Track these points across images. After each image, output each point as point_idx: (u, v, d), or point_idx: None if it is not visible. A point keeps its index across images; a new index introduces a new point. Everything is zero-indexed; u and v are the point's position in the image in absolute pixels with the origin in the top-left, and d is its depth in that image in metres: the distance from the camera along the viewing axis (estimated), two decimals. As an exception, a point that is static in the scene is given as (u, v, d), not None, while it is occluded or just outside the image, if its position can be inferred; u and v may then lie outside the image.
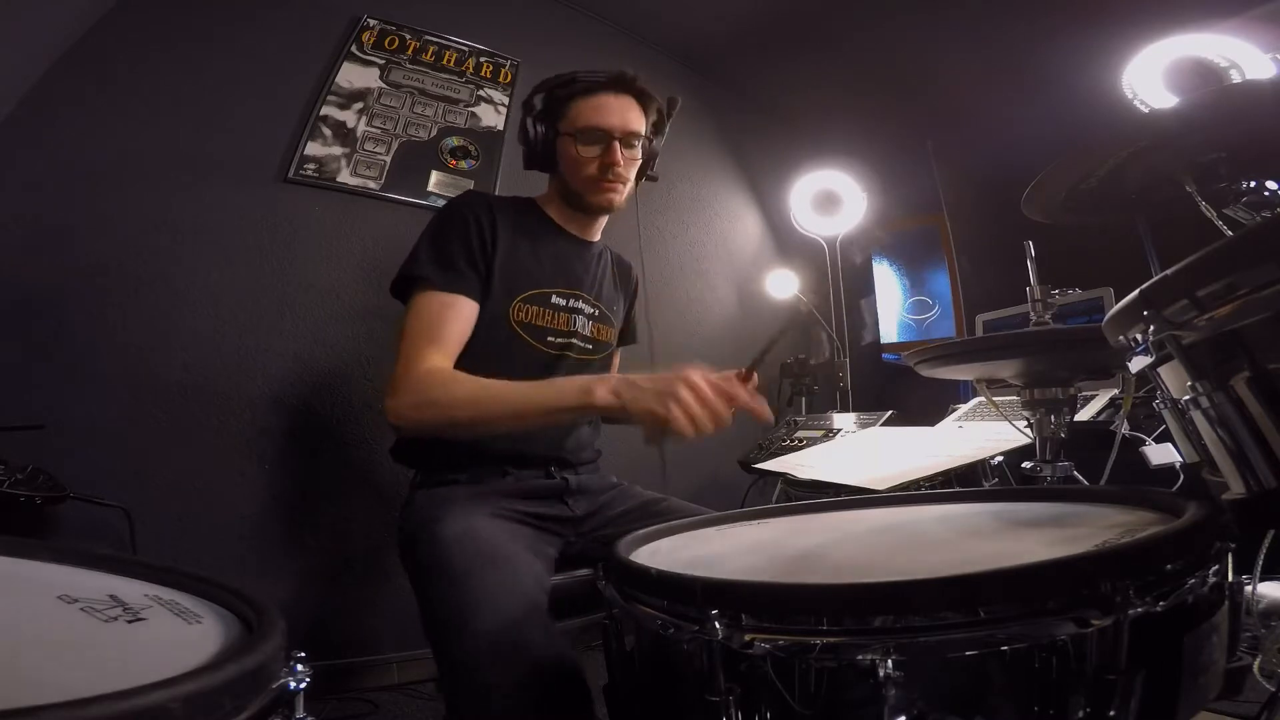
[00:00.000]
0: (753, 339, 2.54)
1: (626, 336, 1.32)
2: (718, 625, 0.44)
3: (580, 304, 1.12)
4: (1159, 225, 1.48)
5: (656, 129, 1.15)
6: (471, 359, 1.00)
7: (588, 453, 1.14)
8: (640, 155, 1.11)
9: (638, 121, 1.08)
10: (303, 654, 0.38)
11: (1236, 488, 0.50)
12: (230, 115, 1.67)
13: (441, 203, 1.87)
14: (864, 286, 2.62)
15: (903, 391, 2.15)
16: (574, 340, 1.10)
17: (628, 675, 0.57)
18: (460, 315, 0.98)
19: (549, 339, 1.07)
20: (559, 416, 0.90)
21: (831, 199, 2.43)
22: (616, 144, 1.05)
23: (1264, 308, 0.41)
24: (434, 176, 1.93)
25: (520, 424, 0.90)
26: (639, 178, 1.15)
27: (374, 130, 1.86)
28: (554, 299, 1.09)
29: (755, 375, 1.16)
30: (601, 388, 0.84)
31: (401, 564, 0.96)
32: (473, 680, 0.73)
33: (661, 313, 2.30)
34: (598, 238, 1.20)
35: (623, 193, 1.10)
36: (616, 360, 1.35)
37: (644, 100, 1.10)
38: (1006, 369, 1.02)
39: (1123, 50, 1.46)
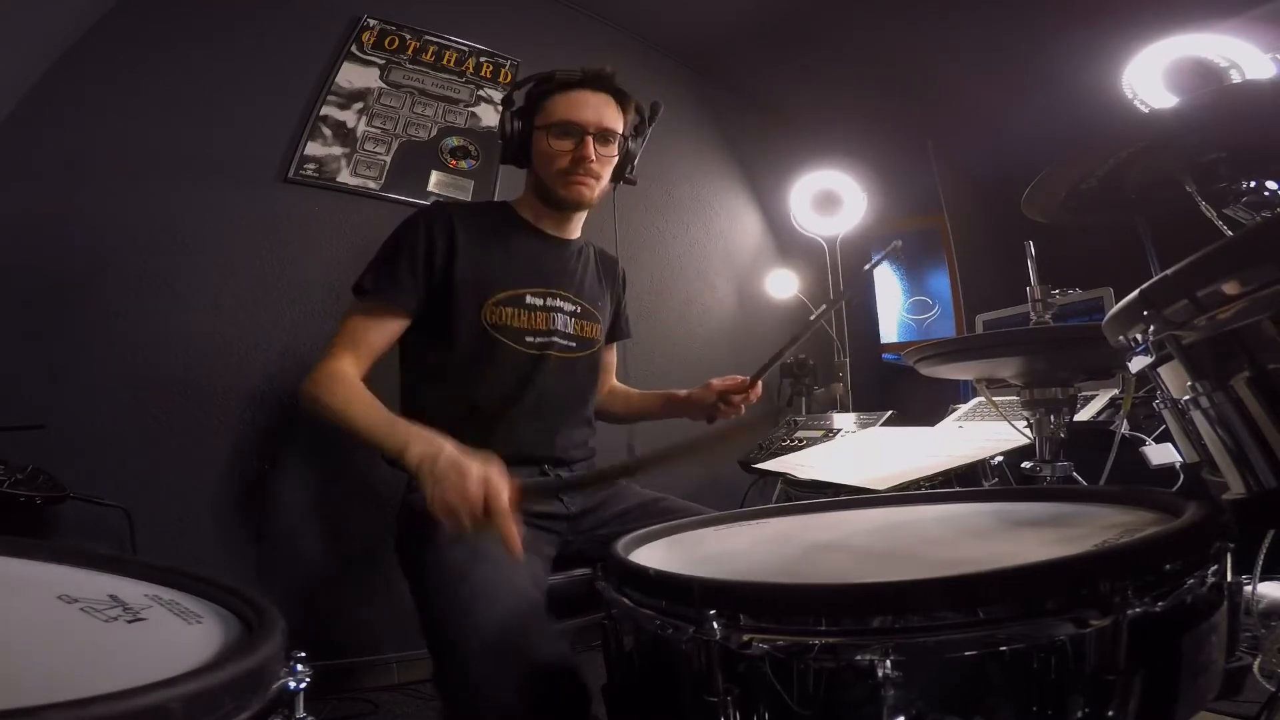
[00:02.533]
0: (753, 339, 2.53)
1: (617, 332, 1.32)
2: (716, 625, 0.44)
3: (559, 302, 1.12)
4: (1159, 225, 1.48)
5: (636, 131, 1.16)
6: (454, 364, 1.03)
7: (581, 451, 1.14)
8: (616, 153, 1.11)
9: (613, 119, 1.09)
10: (303, 654, 0.38)
11: (1236, 488, 0.50)
12: (230, 115, 1.67)
13: (439, 200, 1.89)
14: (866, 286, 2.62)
15: (903, 391, 2.15)
16: (555, 339, 1.10)
17: (627, 675, 0.57)
18: (383, 326, 1.04)
19: (527, 339, 1.08)
20: (382, 450, 0.93)
21: (831, 199, 2.43)
22: (590, 139, 1.05)
23: (1264, 308, 0.41)
24: (434, 176, 1.93)
25: (360, 441, 0.93)
26: (615, 179, 1.16)
27: (374, 130, 1.86)
28: (529, 299, 1.09)
29: (759, 384, 1.17)
30: (414, 452, 0.84)
31: (399, 564, 0.96)
32: (469, 680, 0.73)
33: (661, 313, 2.30)
34: (576, 235, 1.20)
35: (594, 188, 1.10)
36: (612, 357, 1.35)
37: (621, 99, 1.11)
38: (1006, 368, 1.02)
39: (1123, 50, 1.46)
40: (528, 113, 1.10)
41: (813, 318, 1.15)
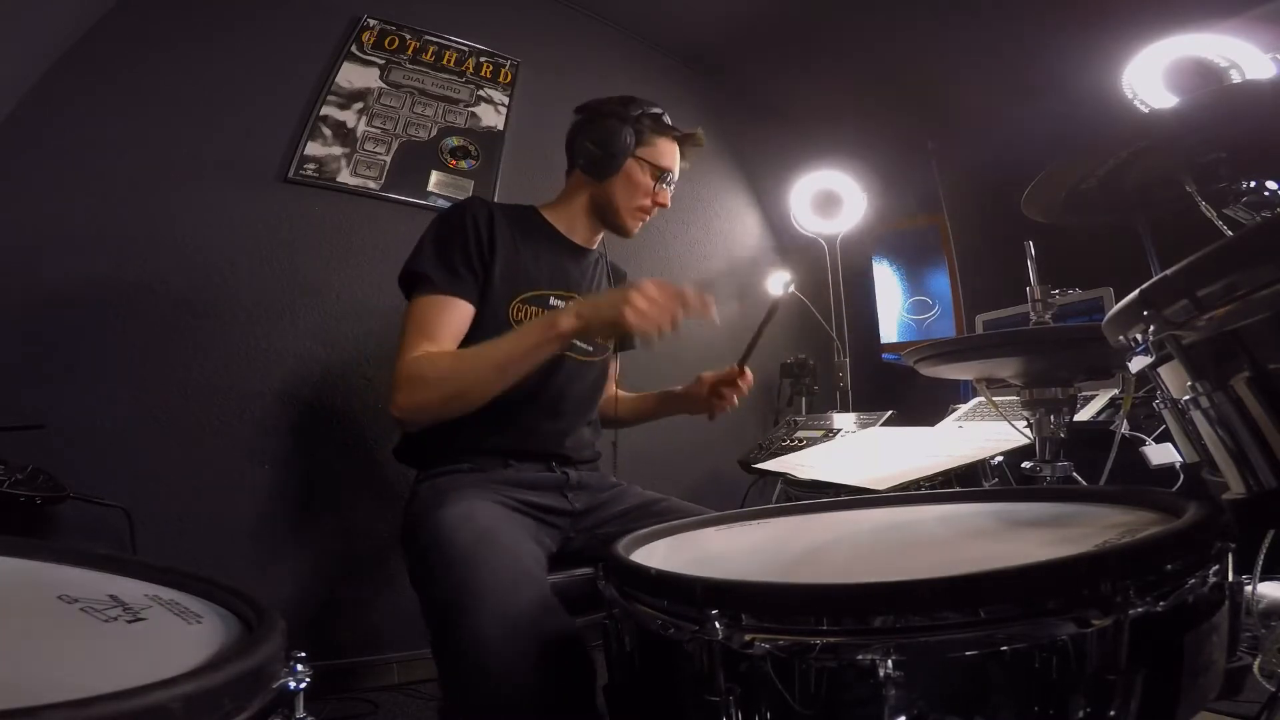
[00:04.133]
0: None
1: (625, 342, 1.33)
2: (718, 625, 0.44)
3: None
4: (1159, 225, 1.48)
5: None
6: None
7: (588, 452, 1.16)
8: None
9: None
10: (303, 654, 0.38)
11: (1236, 488, 0.50)
12: (230, 115, 1.67)
13: (441, 203, 1.89)
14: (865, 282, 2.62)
15: (903, 391, 2.15)
16: (574, 341, 1.11)
17: (628, 675, 0.57)
18: (455, 316, 1.01)
19: None
20: (538, 354, 0.93)
21: (831, 199, 2.43)
22: (667, 190, 1.16)
23: (1264, 308, 0.41)
24: (434, 176, 1.93)
25: (505, 375, 0.93)
26: None
27: (374, 130, 1.86)
28: (552, 301, 1.11)
29: (747, 369, 1.18)
30: (564, 317, 0.90)
31: (404, 555, 0.96)
32: (477, 657, 0.72)
33: (661, 313, 2.29)
34: (595, 245, 1.23)
35: None
36: (615, 367, 1.36)
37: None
38: (1006, 368, 1.02)
39: (1123, 50, 1.46)
40: (637, 135, 1.12)
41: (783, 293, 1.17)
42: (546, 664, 0.71)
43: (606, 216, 1.16)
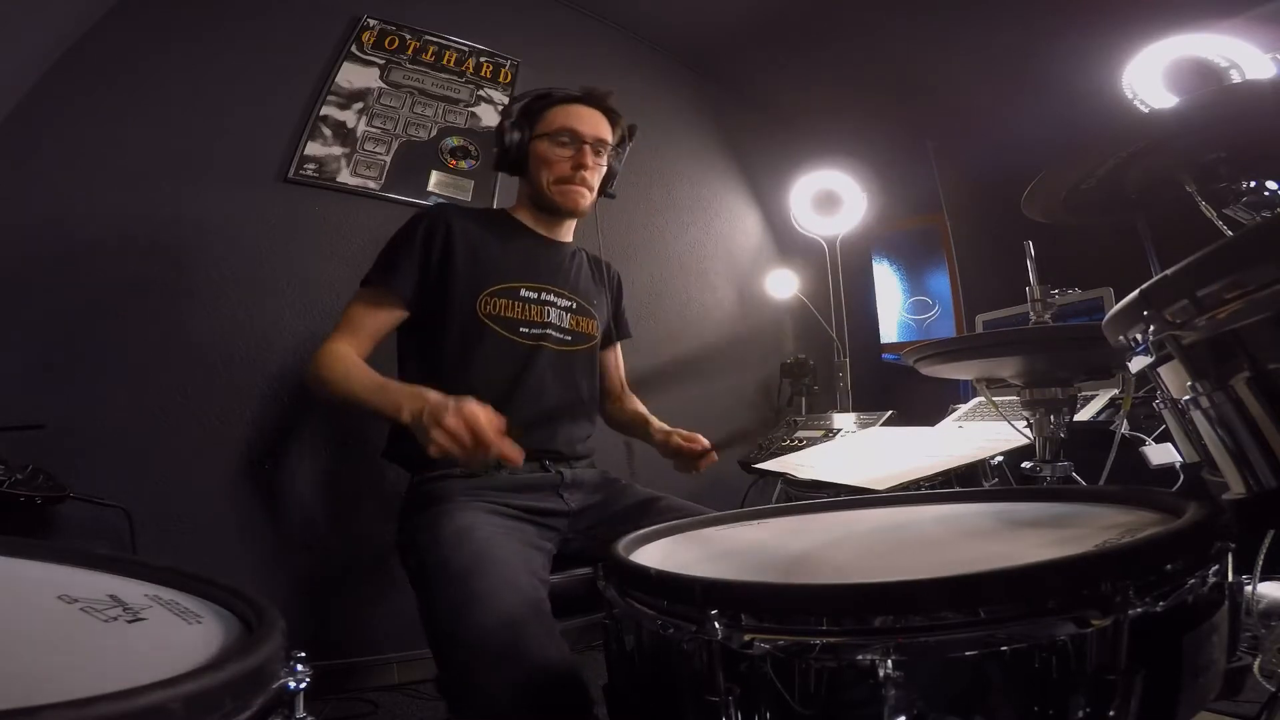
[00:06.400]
0: (753, 339, 2.53)
1: (618, 331, 1.35)
2: (717, 625, 0.44)
3: (552, 297, 1.16)
4: (1159, 225, 1.48)
5: (618, 149, 1.23)
6: (450, 355, 1.07)
7: (581, 447, 1.16)
8: (605, 165, 1.19)
9: (606, 133, 1.18)
10: (303, 654, 0.38)
11: (1236, 488, 0.50)
12: (230, 115, 1.67)
13: (442, 202, 1.89)
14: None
15: (903, 391, 2.15)
16: (549, 331, 1.14)
17: (628, 675, 0.57)
18: (380, 312, 1.09)
19: (521, 330, 1.11)
20: (380, 412, 0.97)
21: (831, 199, 2.43)
22: (587, 147, 1.14)
23: (1264, 308, 0.41)
24: (434, 176, 1.93)
25: (361, 410, 0.98)
26: (599, 191, 1.22)
27: (374, 130, 1.86)
28: (523, 292, 1.13)
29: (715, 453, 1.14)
30: (409, 407, 0.89)
31: (401, 563, 0.96)
32: (472, 681, 0.74)
33: (662, 313, 2.30)
34: (569, 239, 1.25)
35: (588, 198, 1.18)
36: (618, 355, 1.36)
37: (611, 117, 1.20)
38: (1006, 368, 1.02)
39: (1123, 50, 1.46)
40: (527, 124, 1.16)
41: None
42: (539, 694, 0.72)
43: (543, 203, 1.18)
